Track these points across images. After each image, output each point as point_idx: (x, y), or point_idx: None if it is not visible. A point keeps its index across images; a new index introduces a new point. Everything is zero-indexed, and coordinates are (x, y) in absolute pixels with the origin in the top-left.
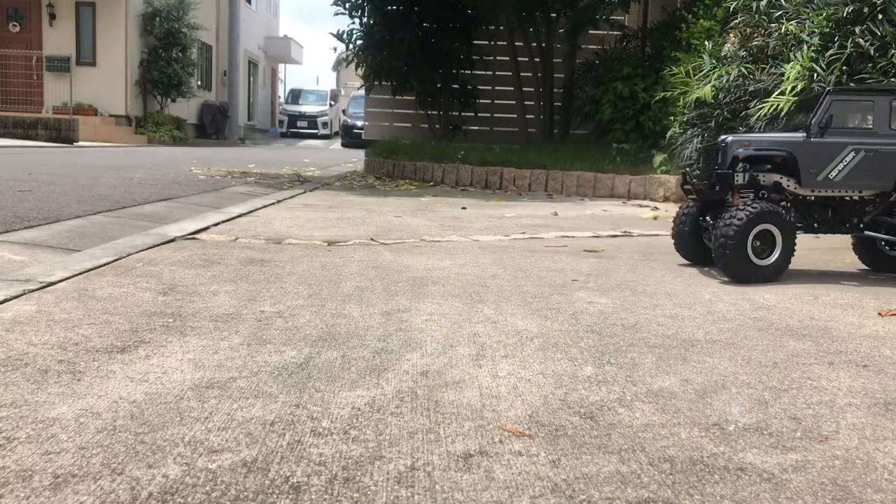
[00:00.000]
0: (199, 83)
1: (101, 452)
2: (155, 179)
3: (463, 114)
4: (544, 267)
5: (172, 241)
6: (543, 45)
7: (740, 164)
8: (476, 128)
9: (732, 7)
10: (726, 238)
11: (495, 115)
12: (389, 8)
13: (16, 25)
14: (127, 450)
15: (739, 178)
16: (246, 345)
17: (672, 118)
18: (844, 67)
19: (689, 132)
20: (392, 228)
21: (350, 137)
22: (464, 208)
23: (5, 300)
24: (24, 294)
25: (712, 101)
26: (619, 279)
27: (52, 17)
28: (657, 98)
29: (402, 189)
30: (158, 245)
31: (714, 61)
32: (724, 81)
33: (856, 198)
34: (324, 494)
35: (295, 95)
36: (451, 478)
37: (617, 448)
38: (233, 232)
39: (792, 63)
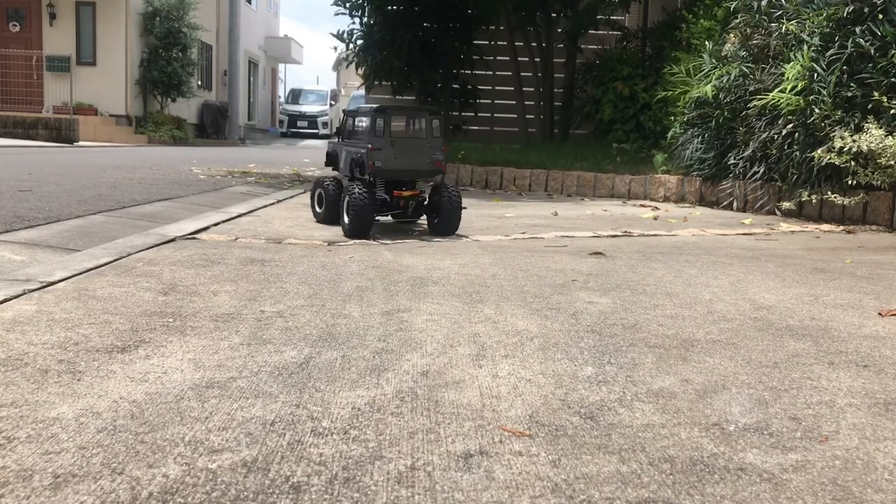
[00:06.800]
0: (200, 83)
1: (101, 452)
2: (155, 179)
3: (463, 114)
4: (544, 267)
5: (173, 240)
6: (543, 44)
7: None
8: (476, 127)
9: (733, 7)
10: None
11: (495, 115)
12: (389, 8)
13: (16, 25)
14: (127, 449)
15: None
16: (246, 345)
17: (672, 118)
18: (845, 67)
19: (689, 132)
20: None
21: None
22: (464, 208)
23: (5, 300)
24: (25, 294)
25: (713, 100)
26: (619, 279)
27: (53, 16)
28: (658, 98)
29: None
30: (159, 245)
31: (714, 61)
32: (724, 81)
33: None
34: (324, 494)
35: (295, 95)
36: (451, 478)
37: (617, 448)
38: (233, 232)
39: (792, 63)
